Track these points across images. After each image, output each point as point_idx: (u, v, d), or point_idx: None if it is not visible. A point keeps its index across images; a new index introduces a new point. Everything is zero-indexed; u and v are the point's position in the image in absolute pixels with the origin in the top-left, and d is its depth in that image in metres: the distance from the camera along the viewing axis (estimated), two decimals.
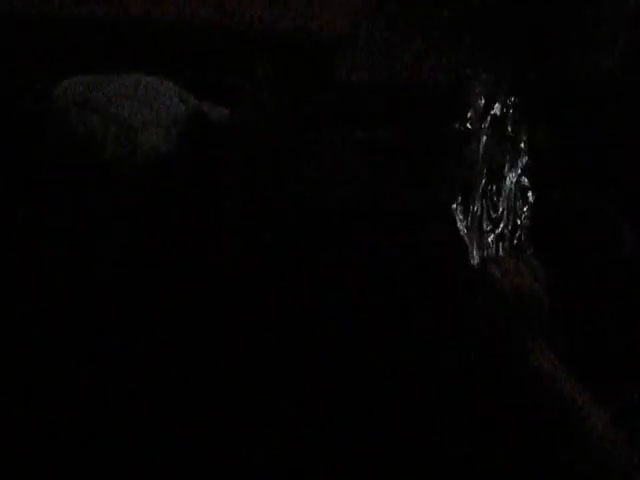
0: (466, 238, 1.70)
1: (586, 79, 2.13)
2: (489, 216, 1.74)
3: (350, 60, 2.06)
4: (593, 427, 1.58)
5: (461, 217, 1.72)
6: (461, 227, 1.71)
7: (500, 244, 1.74)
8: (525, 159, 1.78)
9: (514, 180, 1.77)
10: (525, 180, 1.77)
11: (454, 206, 1.71)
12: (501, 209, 1.75)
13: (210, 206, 1.92)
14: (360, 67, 2.07)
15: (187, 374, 1.81)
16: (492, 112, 1.76)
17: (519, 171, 1.77)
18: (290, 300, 1.84)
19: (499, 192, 1.76)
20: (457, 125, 1.72)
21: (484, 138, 1.76)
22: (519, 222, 1.76)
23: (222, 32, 2.18)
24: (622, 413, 1.61)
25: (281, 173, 1.93)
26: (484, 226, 1.73)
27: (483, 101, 1.76)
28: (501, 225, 1.75)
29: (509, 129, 1.78)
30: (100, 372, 1.81)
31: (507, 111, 1.78)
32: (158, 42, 2.21)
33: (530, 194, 1.77)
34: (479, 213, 1.73)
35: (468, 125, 1.74)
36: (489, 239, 1.73)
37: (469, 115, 1.74)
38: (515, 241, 1.75)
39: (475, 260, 1.70)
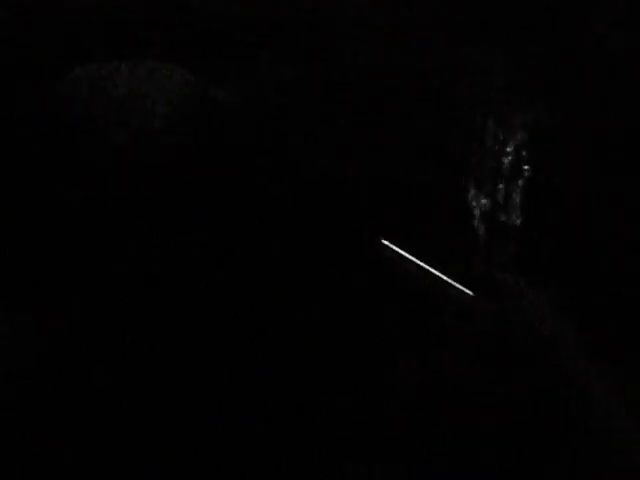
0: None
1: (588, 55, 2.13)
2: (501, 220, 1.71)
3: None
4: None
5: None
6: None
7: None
8: (522, 137, 1.78)
9: (510, 160, 1.77)
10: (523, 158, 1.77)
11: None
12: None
13: (215, 188, 1.95)
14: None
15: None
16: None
17: (516, 149, 1.78)
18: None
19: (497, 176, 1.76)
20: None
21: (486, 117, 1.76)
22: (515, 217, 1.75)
23: (225, 17, 2.21)
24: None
25: (283, 154, 1.95)
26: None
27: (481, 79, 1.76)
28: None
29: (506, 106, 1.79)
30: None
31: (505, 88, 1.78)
32: (163, 28, 2.24)
33: (527, 172, 1.78)
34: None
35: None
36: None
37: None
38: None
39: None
